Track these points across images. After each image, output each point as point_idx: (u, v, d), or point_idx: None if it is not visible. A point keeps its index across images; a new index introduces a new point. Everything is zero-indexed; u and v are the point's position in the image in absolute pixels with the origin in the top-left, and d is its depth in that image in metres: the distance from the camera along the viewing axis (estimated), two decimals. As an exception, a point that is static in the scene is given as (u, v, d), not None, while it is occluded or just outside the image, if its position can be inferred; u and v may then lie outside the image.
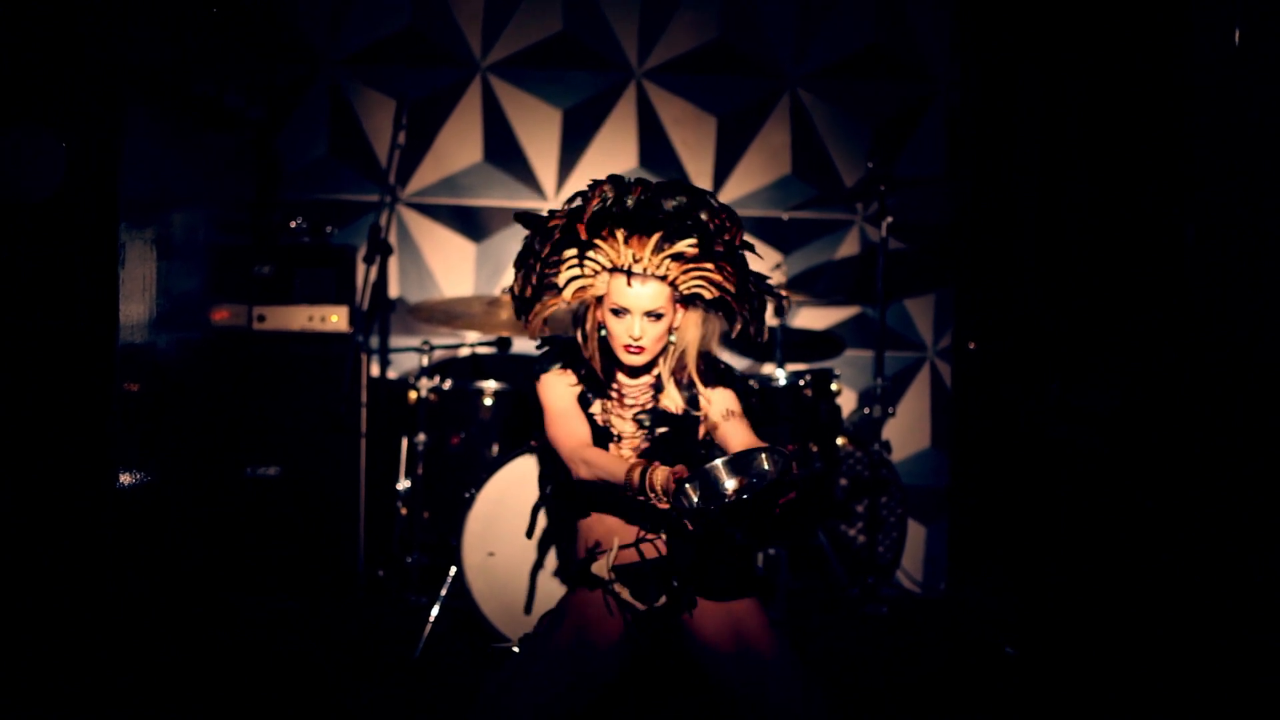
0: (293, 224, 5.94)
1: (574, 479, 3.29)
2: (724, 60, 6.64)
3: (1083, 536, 4.72)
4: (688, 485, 3.06)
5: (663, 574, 3.21)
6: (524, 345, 6.08)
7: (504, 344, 5.74)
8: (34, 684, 3.34)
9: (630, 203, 3.20)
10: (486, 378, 5.79)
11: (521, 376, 5.86)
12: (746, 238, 3.29)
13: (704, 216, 3.19)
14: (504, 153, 6.58)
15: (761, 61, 6.65)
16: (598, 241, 3.23)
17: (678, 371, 3.37)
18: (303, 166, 6.54)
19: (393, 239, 6.42)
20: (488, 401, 5.60)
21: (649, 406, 3.37)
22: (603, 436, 3.34)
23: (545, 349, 3.48)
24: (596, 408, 3.38)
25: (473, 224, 6.59)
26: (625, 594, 3.20)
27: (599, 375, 3.36)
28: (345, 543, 5.66)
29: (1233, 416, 3.89)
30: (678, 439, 3.34)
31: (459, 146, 6.60)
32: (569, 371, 3.40)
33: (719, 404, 3.38)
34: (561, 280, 3.29)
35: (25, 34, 3.36)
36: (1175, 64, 4.20)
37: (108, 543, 3.42)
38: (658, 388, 3.39)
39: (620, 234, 3.21)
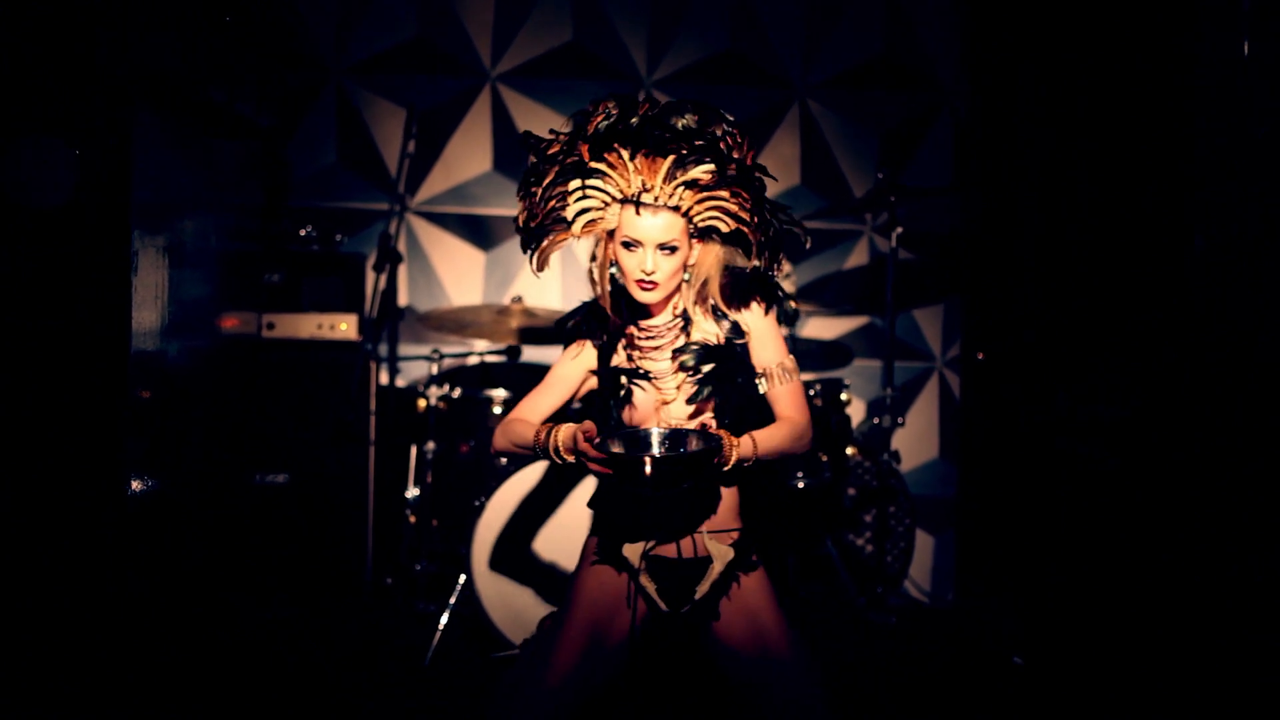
0: (302, 232, 5.95)
1: (491, 451, 3.22)
2: (733, 70, 6.65)
3: (1090, 546, 4.72)
4: (611, 440, 2.99)
5: (693, 577, 3.08)
6: (533, 354, 6.08)
7: (513, 352, 5.75)
8: (44, 686, 3.35)
9: (636, 121, 3.01)
10: (496, 386, 5.79)
11: (532, 385, 5.86)
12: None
13: (717, 133, 2.99)
14: (514, 162, 6.58)
15: (770, 72, 6.66)
16: (604, 167, 3.04)
17: (701, 303, 3.17)
18: (312, 174, 6.55)
19: (402, 247, 6.42)
20: (497, 410, 5.60)
21: (683, 343, 3.15)
22: (632, 377, 3.15)
23: (571, 319, 3.28)
24: (620, 357, 3.19)
25: (482, 233, 6.60)
26: (651, 589, 3.07)
27: (610, 317, 3.18)
28: (353, 550, 5.66)
29: (1239, 424, 3.88)
30: (728, 372, 3.12)
31: (468, 155, 6.61)
32: (586, 343, 3.23)
33: (765, 342, 3.18)
34: (570, 213, 3.08)
35: (37, 42, 3.37)
36: (1181, 75, 4.20)
37: (118, 548, 3.42)
38: (685, 324, 3.18)
39: (628, 156, 3.02)
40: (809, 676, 3.05)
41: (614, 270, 3.15)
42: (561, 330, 3.31)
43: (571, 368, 3.24)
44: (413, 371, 6.48)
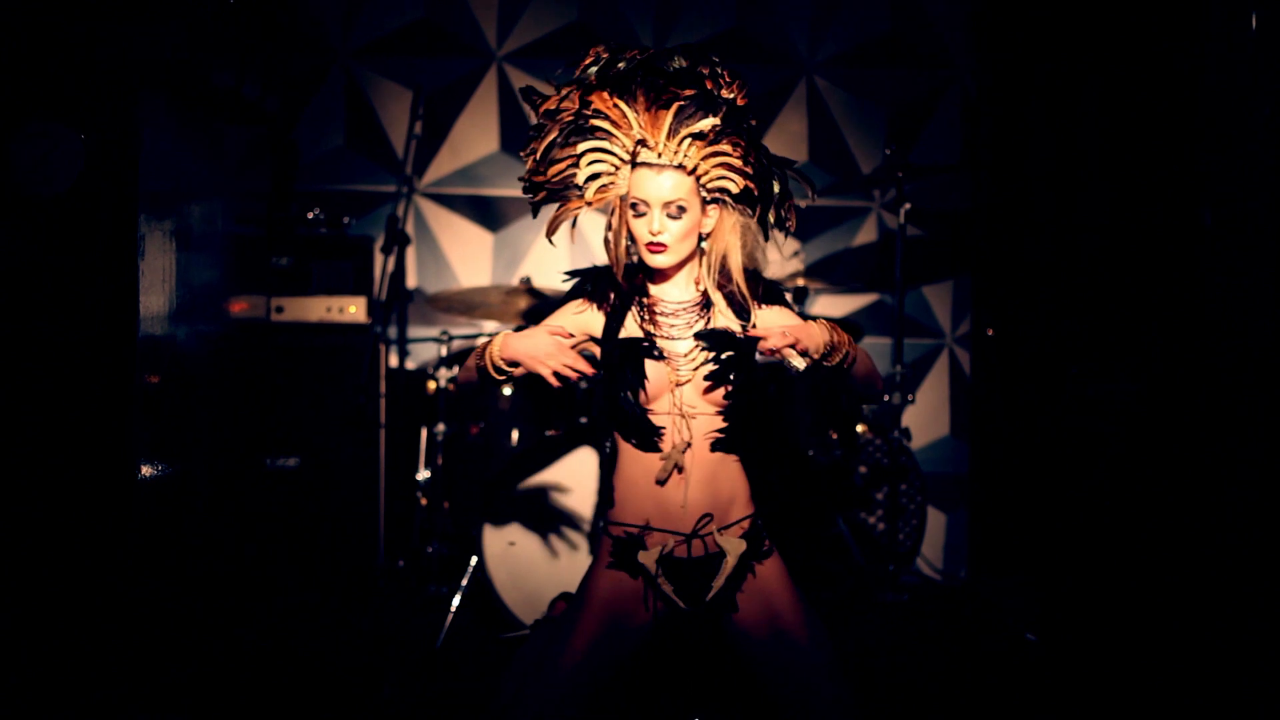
0: (310, 215, 5.93)
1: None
2: (740, 48, 6.63)
3: (1103, 522, 4.71)
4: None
5: (708, 573, 3.04)
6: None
7: (522, 333, 5.74)
8: (55, 669, 3.35)
9: (623, 65, 2.96)
10: (505, 367, 5.78)
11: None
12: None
13: (704, 72, 2.97)
14: (520, 142, 6.53)
15: (777, 49, 6.64)
16: (606, 125, 3.01)
17: (724, 284, 3.09)
18: (319, 157, 6.54)
19: (410, 229, 6.42)
20: (507, 391, 5.59)
21: (706, 326, 3.07)
22: (648, 352, 3.05)
23: (574, 279, 3.22)
24: (632, 329, 3.10)
25: (490, 214, 6.59)
26: (669, 590, 3.02)
27: (621, 284, 3.12)
28: (365, 533, 5.66)
29: (1253, 400, 3.87)
30: (748, 364, 3.01)
31: (475, 136, 6.60)
32: (590, 304, 3.15)
33: (778, 324, 3.04)
34: (581, 178, 3.05)
35: (42, 27, 3.36)
36: (1191, 51, 4.18)
37: (129, 533, 3.42)
38: (706, 306, 3.10)
39: (630, 110, 2.98)
40: (824, 656, 3.03)
41: (629, 242, 3.09)
42: (569, 295, 3.22)
43: (570, 321, 3.16)
44: (422, 353, 6.47)
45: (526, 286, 5.73)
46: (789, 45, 6.63)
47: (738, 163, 2.98)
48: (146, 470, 3.50)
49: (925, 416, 6.65)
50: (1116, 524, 4.62)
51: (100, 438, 3.38)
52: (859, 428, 5.72)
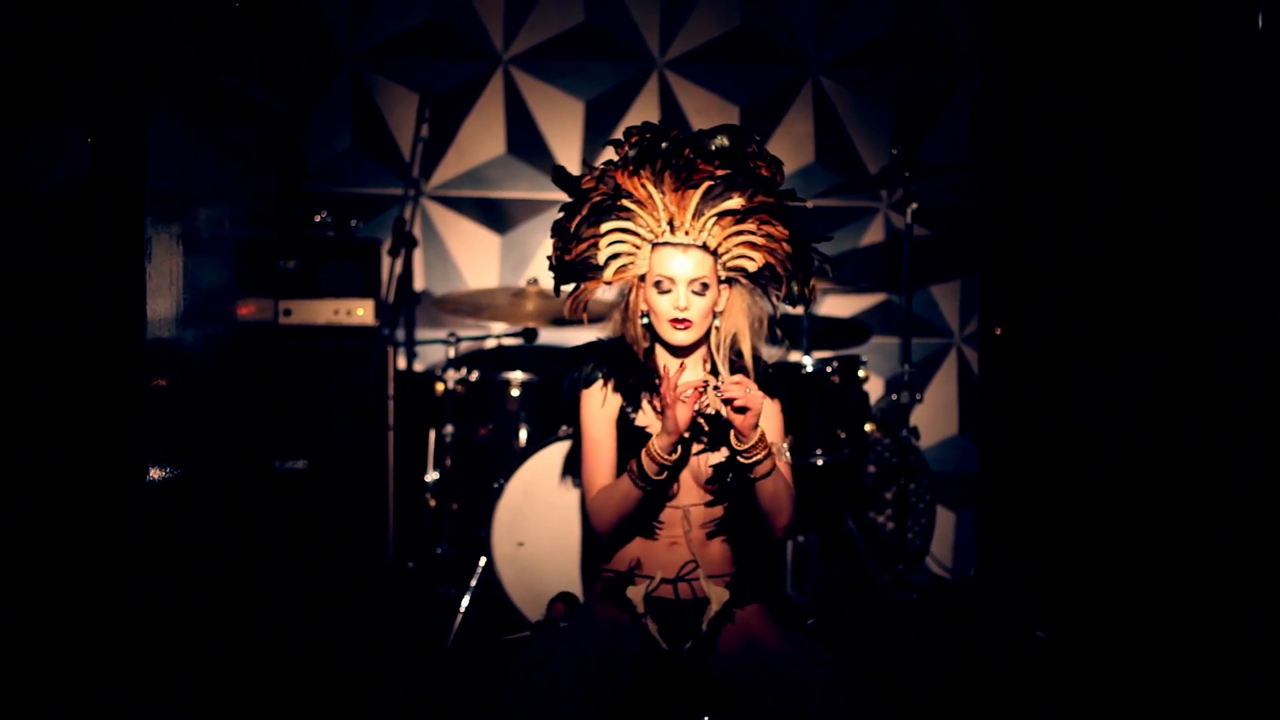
0: (317, 218, 5.94)
1: (599, 534, 3.24)
2: (746, 49, 6.63)
3: (1112, 520, 4.70)
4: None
5: (693, 618, 3.14)
6: (550, 336, 6.08)
7: (530, 334, 5.74)
8: (55, 669, 3.35)
9: (666, 145, 3.02)
10: (513, 368, 5.79)
11: (549, 367, 5.86)
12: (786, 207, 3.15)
13: (749, 150, 3.03)
14: (527, 145, 6.57)
15: (784, 49, 6.64)
16: (632, 205, 3.09)
17: (734, 361, 3.22)
18: (326, 160, 6.55)
19: (417, 232, 6.43)
20: (515, 392, 5.60)
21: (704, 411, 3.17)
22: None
23: (583, 355, 3.32)
24: (647, 416, 3.23)
25: (497, 216, 6.60)
26: (653, 629, 3.12)
27: (641, 362, 3.24)
28: (374, 535, 5.67)
29: (1263, 397, 3.86)
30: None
31: (482, 139, 6.60)
32: (609, 385, 3.25)
33: (768, 423, 3.20)
34: (601, 258, 3.14)
35: (49, 29, 3.36)
36: (1197, 44, 4.18)
37: (136, 536, 3.42)
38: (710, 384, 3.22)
39: (657, 191, 3.07)
40: (820, 671, 2.99)
41: (645, 320, 3.19)
42: (577, 371, 3.32)
43: (606, 420, 3.26)
44: (430, 355, 6.48)
45: (534, 288, 5.73)
46: (796, 45, 6.63)
47: (761, 240, 3.11)
48: (154, 473, 3.50)
49: (934, 415, 6.65)
50: (1125, 522, 4.61)
51: (107, 441, 3.39)
52: (867, 427, 5.71)
